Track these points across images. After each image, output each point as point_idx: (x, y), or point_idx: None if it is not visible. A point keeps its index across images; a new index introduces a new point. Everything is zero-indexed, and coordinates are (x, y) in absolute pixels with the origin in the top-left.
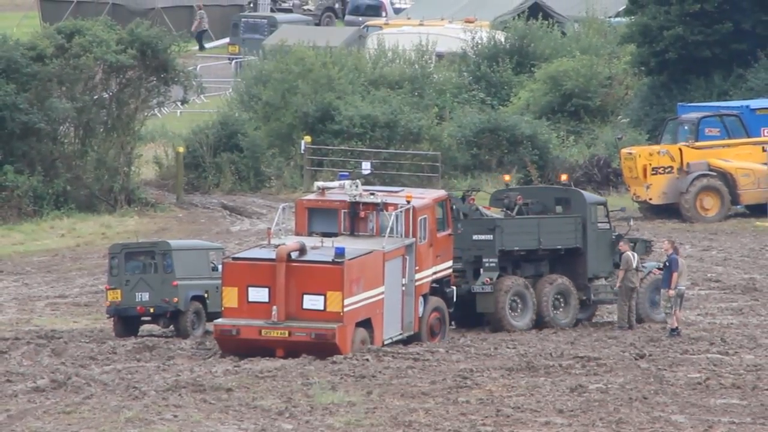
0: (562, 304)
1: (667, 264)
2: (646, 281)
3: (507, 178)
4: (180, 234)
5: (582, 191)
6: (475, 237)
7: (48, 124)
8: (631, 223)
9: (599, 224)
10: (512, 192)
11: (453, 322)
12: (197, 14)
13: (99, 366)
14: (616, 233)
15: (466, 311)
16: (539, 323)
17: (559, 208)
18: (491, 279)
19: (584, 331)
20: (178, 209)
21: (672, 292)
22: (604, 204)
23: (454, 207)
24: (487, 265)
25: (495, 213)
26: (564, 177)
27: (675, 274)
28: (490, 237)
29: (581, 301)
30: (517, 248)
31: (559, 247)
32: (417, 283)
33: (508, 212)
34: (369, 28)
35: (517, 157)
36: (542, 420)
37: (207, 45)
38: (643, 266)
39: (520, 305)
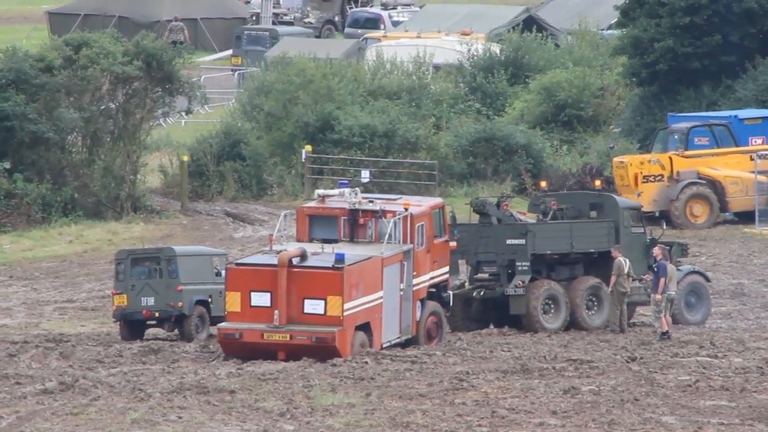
0: (596, 306)
1: (656, 269)
2: (681, 284)
3: (543, 184)
4: (184, 240)
5: (616, 196)
6: (508, 241)
7: (56, 134)
8: (664, 227)
9: (632, 228)
10: (548, 198)
11: (491, 324)
12: (172, 26)
13: (106, 369)
14: (651, 237)
15: (501, 313)
16: (573, 325)
17: (593, 213)
18: (523, 282)
19: (577, 334)
20: (183, 216)
21: (659, 297)
22: (638, 209)
23: (489, 212)
24: (519, 268)
25: (529, 218)
26: (597, 183)
27: (662, 280)
28: (522, 241)
29: None
30: (549, 252)
31: (592, 250)
32: (414, 288)
33: (542, 217)
34: (368, 41)
35: (512, 165)
36: (536, 421)
37: (209, 57)
38: (678, 269)
39: (553, 307)
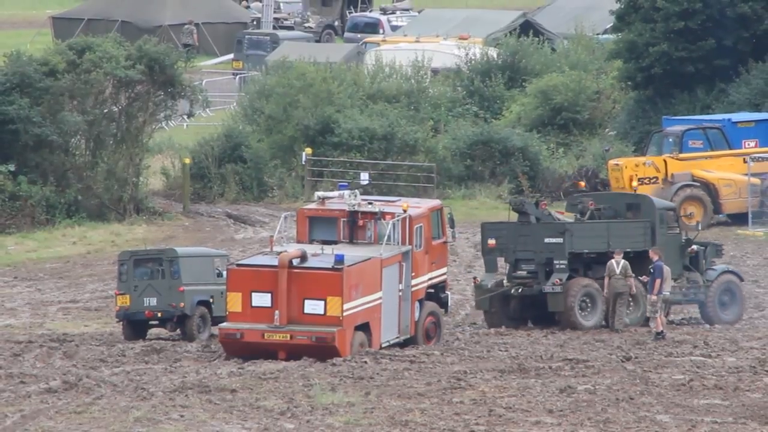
0: (631, 304)
1: (651, 270)
2: (715, 284)
3: (582, 184)
4: (186, 242)
5: (652, 197)
6: (546, 240)
7: (60, 137)
8: (699, 228)
9: (668, 228)
10: (586, 198)
11: (529, 321)
12: (185, 29)
13: (109, 368)
14: (686, 237)
15: (539, 310)
16: (609, 322)
17: (629, 213)
18: (561, 280)
19: (573, 334)
20: (185, 218)
21: (654, 297)
22: (674, 209)
23: (527, 211)
24: (557, 266)
25: (567, 218)
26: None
27: (658, 281)
28: (560, 240)
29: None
30: (586, 251)
31: (629, 250)
32: (413, 289)
33: (580, 217)
34: (367, 45)
35: (509, 168)
36: (533, 420)
37: (211, 61)
38: (713, 268)
39: (589, 305)
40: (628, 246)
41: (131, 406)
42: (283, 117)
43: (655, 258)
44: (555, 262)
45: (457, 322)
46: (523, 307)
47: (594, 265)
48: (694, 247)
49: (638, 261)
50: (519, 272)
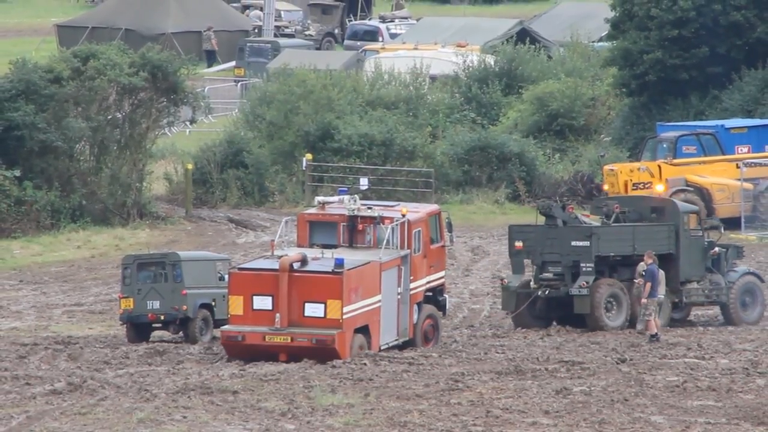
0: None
1: (643, 274)
2: (737, 285)
3: (606, 187)
4: (189, 246)
5: (676, 201)
6: (573, 243)
7: (65, 143)
8: (723, 231)
9: (692, 231)
10: (611, 201)
11: (554, 322)
12: (205, 35)
13: (113, 370)
14: (709, 240)
15: (565, 312)
16: (633, 323)
17: (653, 216)
18: (587, 282)
19: (569, 336)
20: (187, 222)
21: (644, 301)
22: (697, 213)
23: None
24: (584, 269)
25: (593, 221)
26: (658, 190)
27: (648, 284)
28: (587, 243)
29: (674, 303)
30: (612, 254)
31: (650, 251)
32: (412, 292)
33: (606, 220)
34: (366, 52)
35: (506, 173)
36: (529, 421)
37: (213, 68)
38: (734, 270)
39: (615, 306)
40: (653, 249)
41: (135, 408)
42: (283, 123)
43: (649, 262)
44: (582, 264)
45: (455, 324)
46: (549, 308)
47: (619, 267)
48: (717, 249)
49: (662, 263)
50: (545, 274)
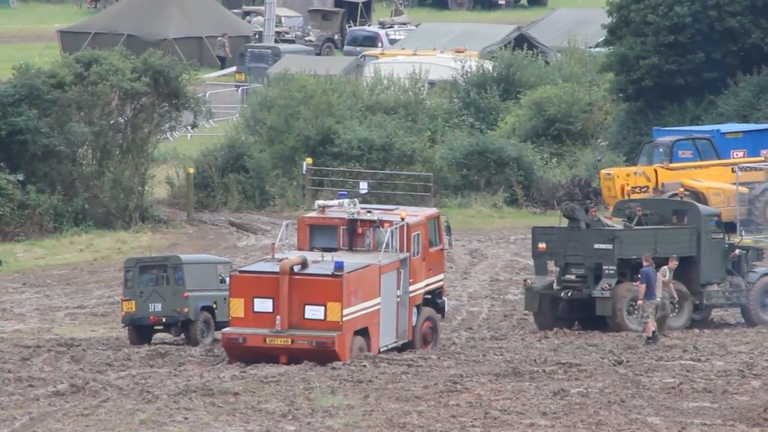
0: (677, 308)
1: (639, 276)
2: (756, 286)
3: (628, 188)
4: (190, 249)
5: (697, 204)
6: (596, 246)
7: (67, 147)
8: (743, 234)
9: (712, 234)
10: (633, 203)
11: (577, 322)
12: (219, 41)
13: (115, 372)
14: (729, 242)
15: (587, 313)
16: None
17: (674, 219)
18: (610, 285)
19: (566, 339)
20: (189, 226)
21: (641, 302)
22: (718, 215)
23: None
24: (606, 272)
25: (616, 224)
26: (681, 190)
27: (643, 286)
28: (609, 246)
29: (695, 305)
30: (634, 257)
31: (675, 255)
32: (411, 295)
33: (628, 223)
34: (366, 58)
35: (504, 177)
36: (527, 422)
37: (214, 74)
38: (753, 271)
39: (636, 309)
40: (675, 251)
41: (136, 409)
42: (284, 128)
43: (645, 264)
44: (604, 267)
45: (453, 327)
46: (572, 310)
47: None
48: (737, 251)
49: (682, 266)
50: (568, 276)
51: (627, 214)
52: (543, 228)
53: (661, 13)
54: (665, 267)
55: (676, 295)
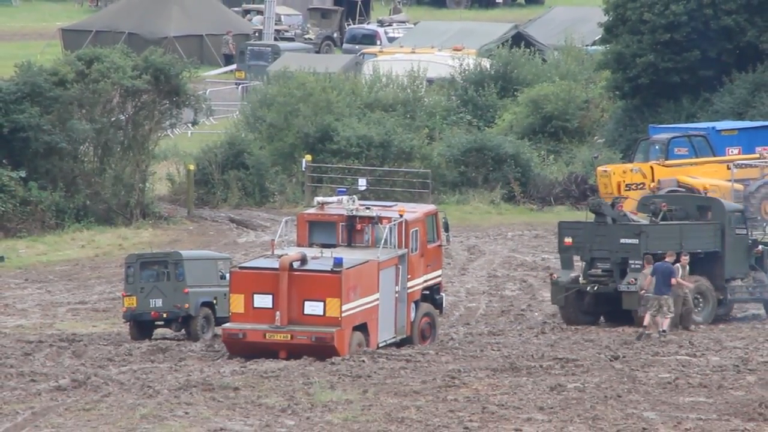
0: (701, 303)
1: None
2: None
3: (653, 185)
4: (191, 245)
5: (722, 200)
6: (622, 240)
7: (69, 144)
8: (767, 230)
9: (736, 230)
10: (658, 199)
11: (603, 317)
12: (224, 39)
13: (116, 367)
14: (752, 238)
15: (612, 307)
16: (680, 319)
17: (699, 215)
18: (635, 279)
19: (563, 334)
20: (189, 222)
21: (643, 292)
22: (742, 211)
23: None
24: (632, 266)
25: (642, 219)
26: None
27: (650, 278)
28: (635, 241)
29: (719, 299)
30: (660, 251)
31: (699, 251)
32: (409, 291)
33: (653, 218)
34: (365, 56)
35: (502, 174)
36: (524, 416)
37: (218, 70)
38: None
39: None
40: (700, 247)
41: (138, 404)
42: (283, 125)
43: (668, 259)
44: (630, 261)
45: (451, 322)
46: (597, 304)
47: None
48: (760, 247)
49: (706, 261)
50: (594, 270)
51: (652, 209)
52: (569, 223)
53: (657, 11)
54: (677, 264)
55: (687, 292)
